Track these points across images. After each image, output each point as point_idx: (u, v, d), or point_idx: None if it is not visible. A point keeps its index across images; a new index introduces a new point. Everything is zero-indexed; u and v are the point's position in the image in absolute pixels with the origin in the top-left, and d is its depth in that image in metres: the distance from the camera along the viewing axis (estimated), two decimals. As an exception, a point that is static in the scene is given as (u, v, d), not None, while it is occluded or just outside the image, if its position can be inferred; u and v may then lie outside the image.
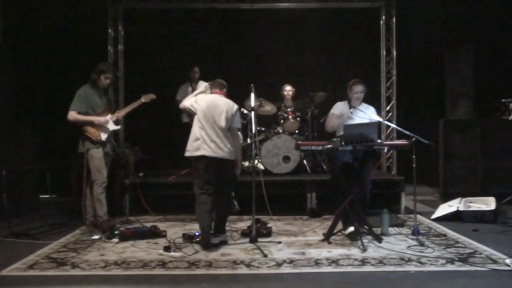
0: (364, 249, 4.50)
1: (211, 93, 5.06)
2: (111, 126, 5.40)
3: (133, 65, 8.45)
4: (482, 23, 8.18)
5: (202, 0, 8.10)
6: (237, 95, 7.76)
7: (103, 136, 5.29)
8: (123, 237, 4.96)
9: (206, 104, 4.86)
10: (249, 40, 8.84)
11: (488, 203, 5.96)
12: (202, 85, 7.50)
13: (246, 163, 6.80)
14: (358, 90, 5.42)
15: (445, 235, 5.17)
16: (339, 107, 5.57)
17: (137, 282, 3.79)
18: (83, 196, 5.34)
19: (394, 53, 8.07)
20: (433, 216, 6.00)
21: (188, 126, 7.16)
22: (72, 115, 5.21)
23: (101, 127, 5.31)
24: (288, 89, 7.49)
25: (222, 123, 4.78)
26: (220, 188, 4.85)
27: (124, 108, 5.66)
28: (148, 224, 5.45)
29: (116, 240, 4.95)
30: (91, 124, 5.26)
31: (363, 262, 4.18)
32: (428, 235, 5.17)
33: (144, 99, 5.57)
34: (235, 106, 4.95)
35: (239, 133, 5.81)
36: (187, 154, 4.87)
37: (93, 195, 5.28)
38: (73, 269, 4.05)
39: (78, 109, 5.22)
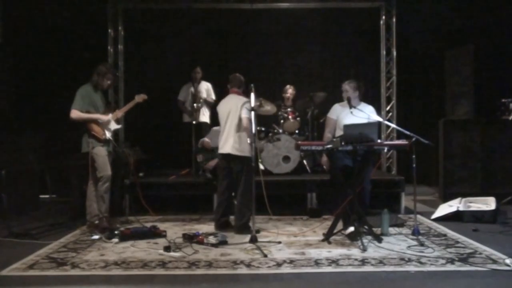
0: (364, 249, 4.49)
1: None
2: (113, 125, 5.50)
3: (133, 65, 8.45)
4: (482, 23, 8.18)
5: (202, 0, 8.10)
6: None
7: (108, 134, 5.39)
8: (123, 237, 4.96)
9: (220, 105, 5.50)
10: (249, 40, 8.84)
11: (488, 203, 5.95)
12: (204, 85, 7.56)
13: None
14: (343, 89, 5.43)
15: (445, 235, 5.17)
16: (336, 111, 5.52)
17: (137, 282, 3.79)
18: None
19: (394, 53, 8.06)
20: (433, 216, 5.99)
21: (189, 126, 7.24)
22: (75, 113, 5.25)
23: (105, 125, 5.39)
24: (290, 91, 7.49)
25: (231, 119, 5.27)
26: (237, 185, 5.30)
27: (121, 108, 5.87)
28: (148, 224, 5.45)
29: (116, 240, 4.95)
30: (96, 123, 5.32)
31: (363, 262, 4.18)
32: (428, 235, 5.17)
33: (137, 98, 5.70)
34: (243, 100, 5.30)
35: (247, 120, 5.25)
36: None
37: (97, 190, 5.31)
38: (73, 269, 4.05)
39: (80, 107, 5.27)
